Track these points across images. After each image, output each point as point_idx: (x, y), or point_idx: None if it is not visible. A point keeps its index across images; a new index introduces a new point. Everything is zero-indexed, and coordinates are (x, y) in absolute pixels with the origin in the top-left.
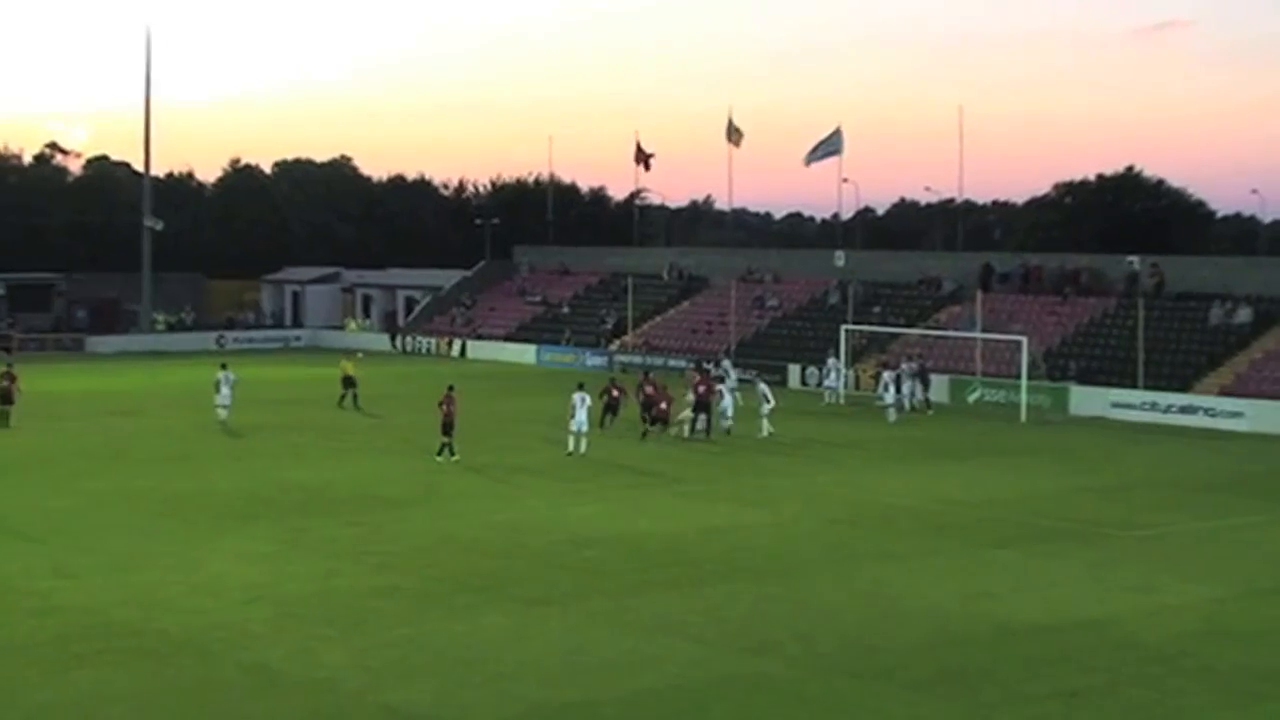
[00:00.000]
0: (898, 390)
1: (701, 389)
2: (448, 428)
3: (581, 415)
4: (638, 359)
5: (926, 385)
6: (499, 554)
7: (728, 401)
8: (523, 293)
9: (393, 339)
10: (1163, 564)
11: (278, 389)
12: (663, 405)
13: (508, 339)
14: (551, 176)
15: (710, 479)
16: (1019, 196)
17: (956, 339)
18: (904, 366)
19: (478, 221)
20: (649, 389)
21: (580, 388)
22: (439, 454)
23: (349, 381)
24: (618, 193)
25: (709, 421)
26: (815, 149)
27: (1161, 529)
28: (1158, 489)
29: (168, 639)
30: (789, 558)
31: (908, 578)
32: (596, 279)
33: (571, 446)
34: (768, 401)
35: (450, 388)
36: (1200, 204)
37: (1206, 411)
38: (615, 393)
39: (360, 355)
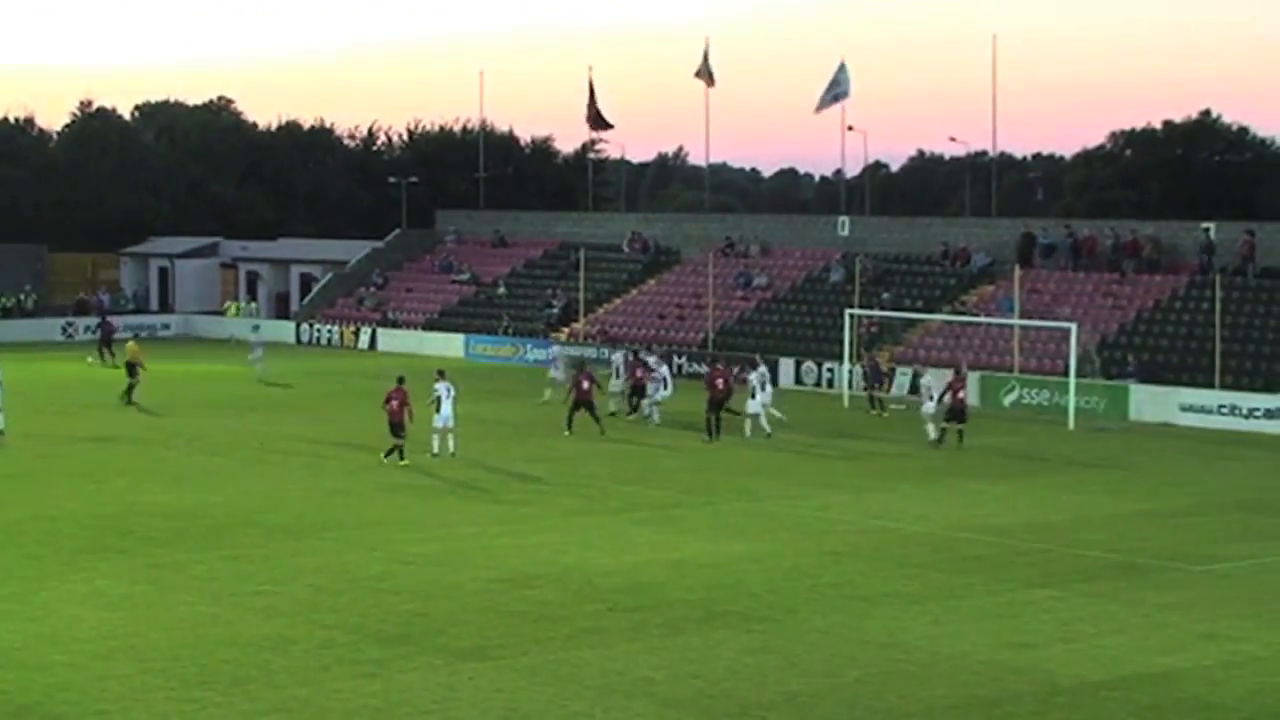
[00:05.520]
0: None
1: (719, 383)
2: (398, 428)
3: (447, 409)
4: (590, 351)
5: (882, 383)
6: (417, 595)
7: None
8: (448, 269)
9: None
10: (1242, 606)
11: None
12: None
13: (429, 327)
14: (484, 124)
15: (679, 500)
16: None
17: (989, 326)
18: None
19: (391, 180)
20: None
21: (441, 375)
22: (386, 454)
23: (131, 369)
24: (566, 144)
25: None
26: (825, 93)
27: (1242, 563)
28: (1238, 514)
29: (6, 701)
30: (778, 600)
31: (927, 625)
32: (540, 252)
33: (437, 447)
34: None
35: (400, 380)
36: None
37: None
38: (585, 384)
39: (259, 326)
